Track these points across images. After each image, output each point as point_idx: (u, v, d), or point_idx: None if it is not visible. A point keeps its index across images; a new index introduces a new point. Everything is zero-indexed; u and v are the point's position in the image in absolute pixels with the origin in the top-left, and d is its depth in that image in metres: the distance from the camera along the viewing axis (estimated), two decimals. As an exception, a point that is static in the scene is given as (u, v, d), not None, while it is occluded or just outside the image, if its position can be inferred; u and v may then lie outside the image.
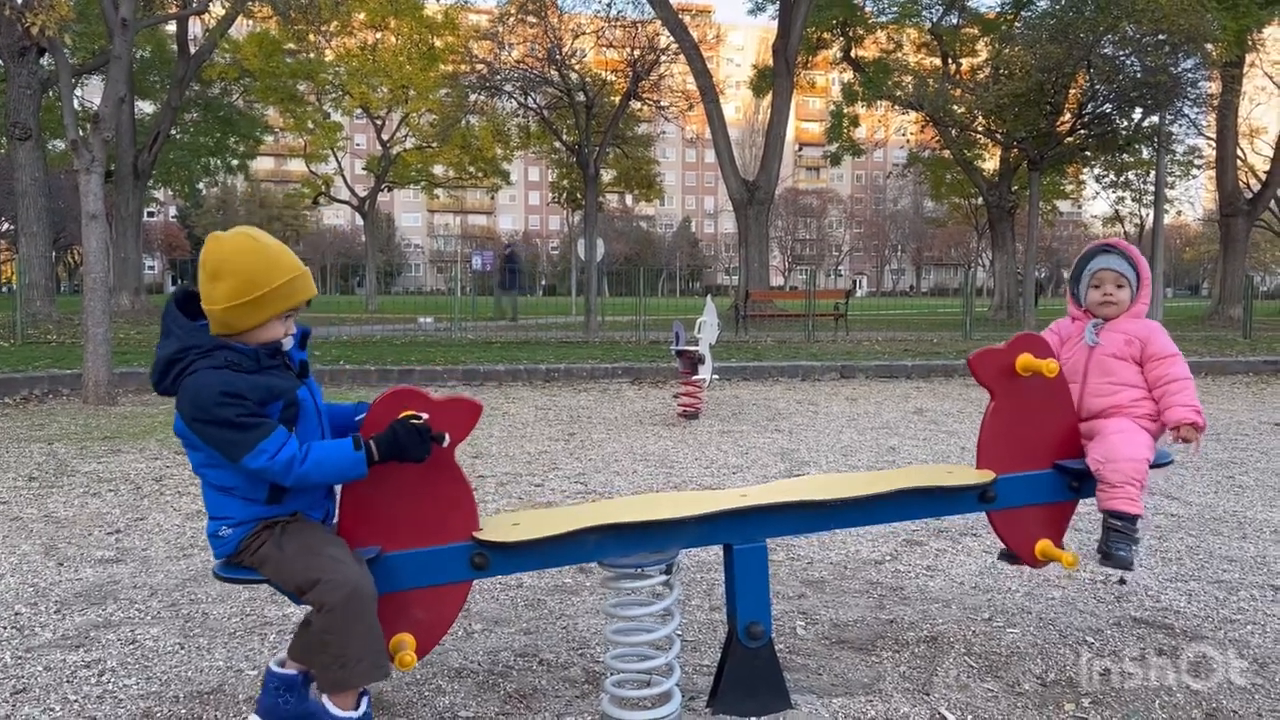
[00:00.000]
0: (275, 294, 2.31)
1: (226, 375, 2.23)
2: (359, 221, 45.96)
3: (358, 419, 2.52)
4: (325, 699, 2.30)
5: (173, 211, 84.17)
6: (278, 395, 2.30)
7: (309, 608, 2.30)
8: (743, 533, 2.66)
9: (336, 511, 2.52)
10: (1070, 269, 3.29)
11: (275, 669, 2.44)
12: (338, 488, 2.51)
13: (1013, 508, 2.94)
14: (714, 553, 4.17)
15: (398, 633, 2.46)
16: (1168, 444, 3.14)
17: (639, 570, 2.56)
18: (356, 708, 2.30)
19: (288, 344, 2.40)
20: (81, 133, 9.32)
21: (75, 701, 2.71)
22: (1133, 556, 2.95)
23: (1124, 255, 3.15)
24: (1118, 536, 2.93)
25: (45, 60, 18.18)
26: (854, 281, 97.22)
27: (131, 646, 3.13)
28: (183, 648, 3.13)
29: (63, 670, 2.93)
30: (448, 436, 2.42)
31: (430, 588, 2.51)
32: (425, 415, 2.39)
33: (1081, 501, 3.17)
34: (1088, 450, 2.99)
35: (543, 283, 78.90)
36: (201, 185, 43.36)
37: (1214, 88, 26.59)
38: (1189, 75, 21.95)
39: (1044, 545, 2.96)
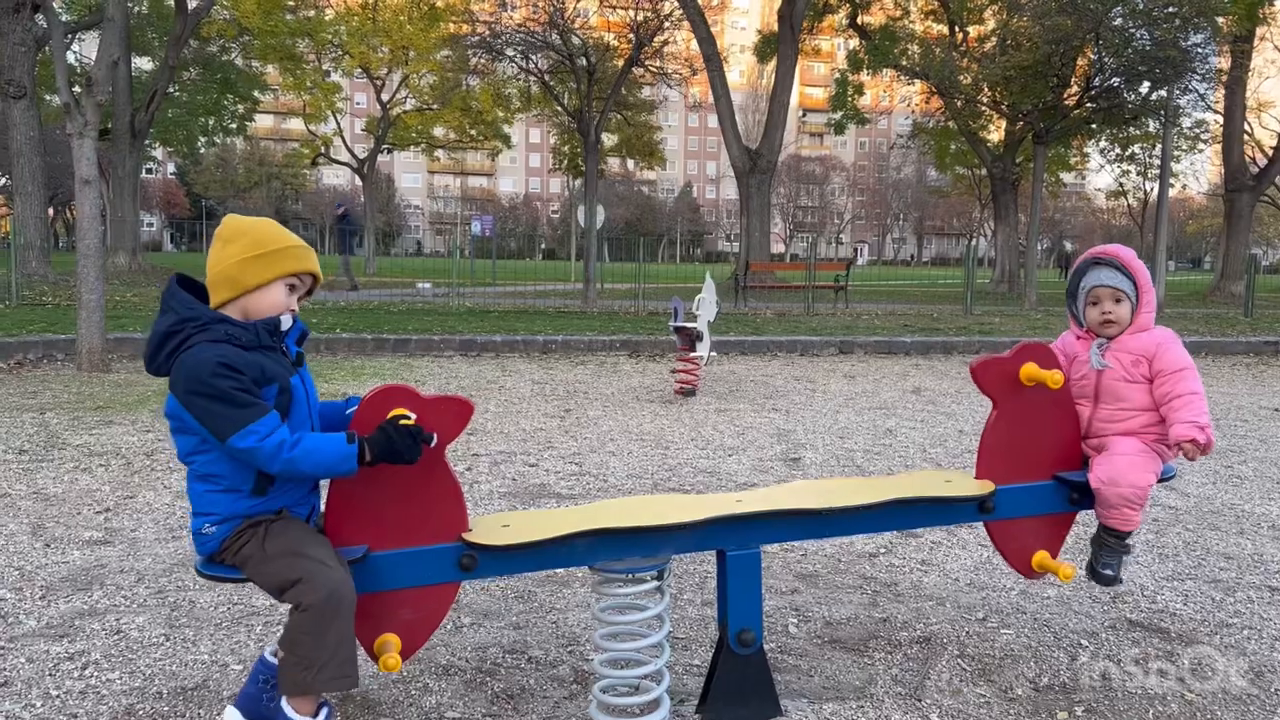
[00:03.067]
0: (284, 253, 2.36)
1: (224, 349, 2.22)
2: (359, 182, 45.64)
3: (348, 412, 2.49)
4: (283, 700, 2.25)
5: (171, 169, 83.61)
6: (272, 378, 2.28)
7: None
8: (736, 539, 2.61)
9: (322, 507, 2.48)
10: (1068, 277, 3.16)
11: (269, 658, 2.41)
12: (324, 485, 2.47)
13: (1011, 519, 2.89)
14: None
15: (383, 633, 2.43)
16: (1179, 462, 3.05)
17: (630, 576, 2.52)
18: (314, 715, 2.26)
19: (286, 322, 2.38)
20: (76, 90, 9.18)
21: (57, 697, 2.68)
22: (1120, 574, 2.95)
23: (1118, 266, 2.96)
24: (1106, 552, 2.92)
25: (40, 17, 17.91)
26: (855, 250, 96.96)
27: (116, 637, 3.10)
28: (168, 639, 3.09)
29: (46, 662, 2.90)
30: (436, 437, 2.38)
31: (417, 588, 2.47)
32: (414, 415, 2.35)
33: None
34: (1092, 464, 2.93)
35: (542, 246, 78.62)
36: (201, 144, 42.91)
37: (1223, 62, 26.29)
38: (1198, 49, 21.69)
39: (1041, 557, 2.92)
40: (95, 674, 2.83)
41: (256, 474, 2.29)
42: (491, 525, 2.57)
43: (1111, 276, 2.96)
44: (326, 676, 2.19)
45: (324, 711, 2.28)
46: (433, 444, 2.37)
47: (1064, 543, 3.07)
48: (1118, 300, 2.96)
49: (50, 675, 2.82)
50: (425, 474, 2.43)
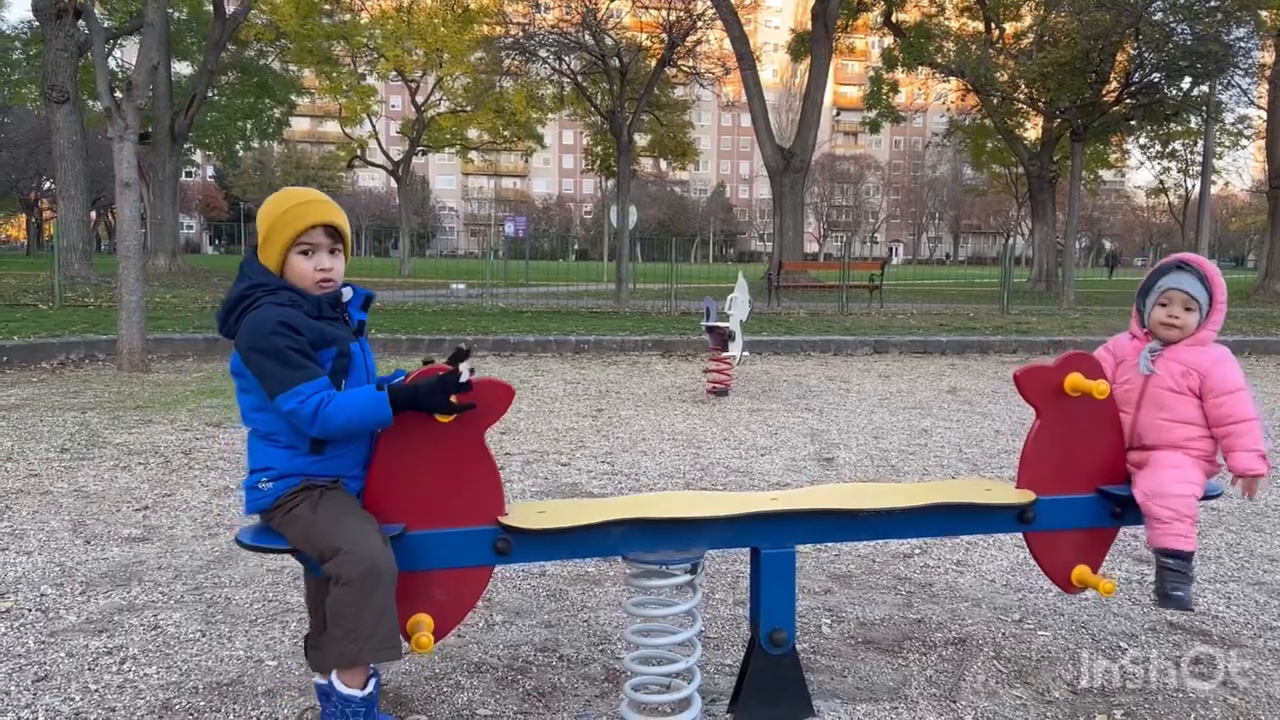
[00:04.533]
0: (279, 223, 2.38)
1: (288, 310, 2.31)
2: (394, 184, 45.99)
3: (394, 383, 2.53)
4: (333, 675, 2.30)
5: (210, 172, 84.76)
6: (332, 341, 2.36)
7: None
8: (771, 537, 2.60)
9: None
10: (1141, 281, 3.09)
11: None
12: None
13: (1051, 530, 2.84)
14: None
15: (416, 613, 2.46)
16: (1224, 485, 2.99)
17: (663, 568, 2.51)
18: (364, 687, 2.29)
19: (347, 294, 2.47)
20: (117, 95, 9.31)
21: (96, 691, 2.71)
22: (1191, 597, 2.82)
23: (1199, 275, 2.92)
24: (1173, 576, 2.79)
25: (82, 23, 18.21)
26: (890, 249, 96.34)
27: (154, 633, 3.13)
28: (204, 635, 3.13)
29: (85, 657, 2.94)
30: (471, 385, 2.38)
31: (451, 570, 2.50)
32: (460, 372, 2.37)
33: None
34: (1135, 480, 2.87)
35: (575, 247, 78.83)
36: (239, 147, 43.46)
37: (1266, 56, 25.80)
38: (1241, 44, 21.30)
39: (1081, 571, 2.87)
40: (133, 669, 2.87)
41: None
42: (528, 511, 2.58)
43: (1191, 284, 2.92)
44: (372, 647, 2.23)
45: (373, 682, 2.31)
46: (467, 391, 2.37)
47: (1105, 558, 3.02)
48: (1188, 309, 2.92)
49: (89, 670, 2.85)
50: (464, 456, 2.47)
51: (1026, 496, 2.79)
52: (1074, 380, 2.78)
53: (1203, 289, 2.91)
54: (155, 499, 4.79)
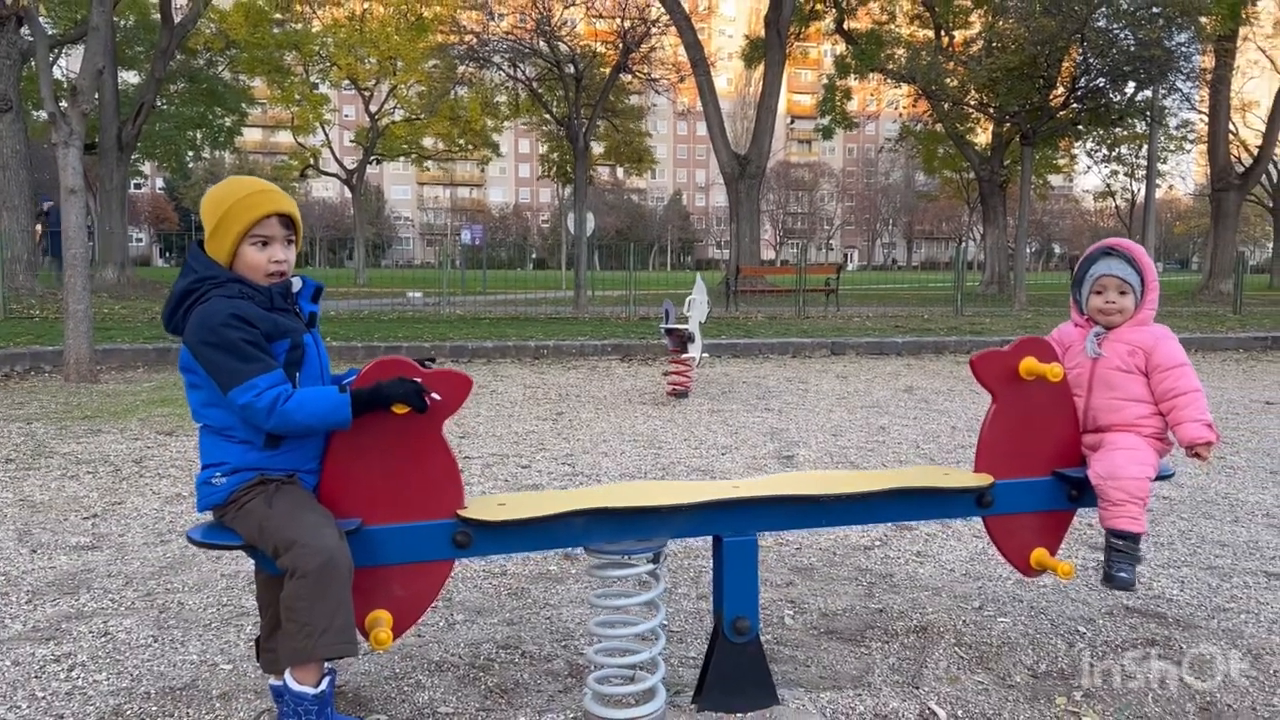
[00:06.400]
0: (231, 213, 2.32)
1: (239, 302, 2.26)
2: (348, 194, 45.56)
3: (346, 382, 2.51)
4: (287, 672, 2.25)
5: (160, 183, 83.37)
6: (285, 333, 2.32)
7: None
8: (733, 525, 2.59)
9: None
10: (1073, 271, 3.16)
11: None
12: None
13: (1009, 514, 2.87)
14: (703, 539, 4.10)
15: (375, 608, 2.42)
16: (1173, 459, 3.05)
17: (625, 558, 2.49)
18: (316, 685, 2.25)
19: (296, 284, 2.43)
20: (61, 104, 9.12)
21: (43, 699, 2.63)
22: (1135, 578, 2.90)
23: (1127, 258, 2.99)
24: (1120, 557, 2.86)
25: (25, 30, 17.84)
26: (845, 255, 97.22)
27: (104, 639, 3.05)
28: (156, 640, 3.05)
29: (32, 665, 2.85)
30: (437, 394, 2.39)
31: (411, 564, 2.47)
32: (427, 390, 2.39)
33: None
34: (1090, 463, 2.92)
35: (533, 256, 78.63)
36: (189, 158, 42.74)
37: (1207, 61, 26.44)
38: (1182, 49, 21.80)
39: (1039, 554, 2.90)
40: (82, 675, 2.79)
41: None
42: (488, 504, 2.56)
43: (1120, 268, 2.98)
44: (326, 643, 2.18)
45: (327, 680, 2.27)
46: (435, 397, 2.38)
47: (1062, 540, 3.06)
48: (1123, 292, 2.99)
49: (36, 677, 2.77)
50: (422, 449, 2.44)
51: (984, 480, 2.82)
52: (1028, 364, 2.81)
53: (1133, 271, 2.99)
54: (104, 507, 4.67)
